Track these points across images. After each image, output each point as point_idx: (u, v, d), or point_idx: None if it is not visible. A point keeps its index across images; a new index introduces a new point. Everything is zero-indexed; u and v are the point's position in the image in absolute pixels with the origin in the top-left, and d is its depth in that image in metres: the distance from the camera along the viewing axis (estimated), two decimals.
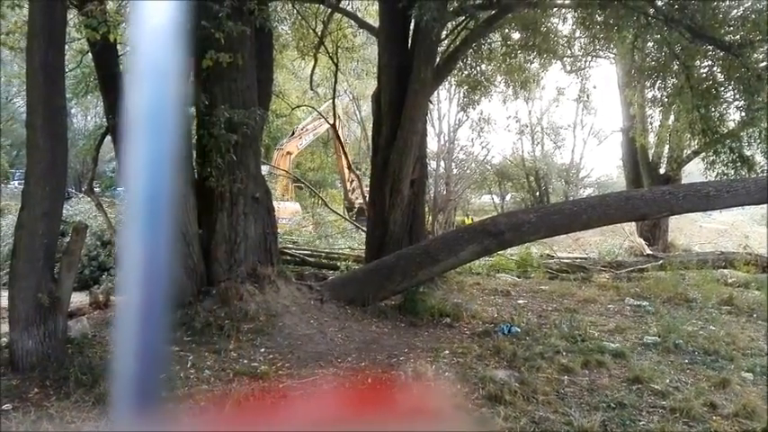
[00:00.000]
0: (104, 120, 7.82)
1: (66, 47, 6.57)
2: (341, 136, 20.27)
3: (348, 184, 20.69)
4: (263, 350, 6.04)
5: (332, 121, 19.30)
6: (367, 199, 12.50)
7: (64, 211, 6.75)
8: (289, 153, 18.08)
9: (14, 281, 5.35)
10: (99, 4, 5.96)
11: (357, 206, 20.27)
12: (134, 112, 0.80)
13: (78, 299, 7.58)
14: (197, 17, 6.60)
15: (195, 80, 6.95)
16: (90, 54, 7.47)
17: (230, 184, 7.05)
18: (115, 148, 7.44)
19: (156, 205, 0.80)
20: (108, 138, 7.68)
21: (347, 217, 19.24)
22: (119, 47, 7.47)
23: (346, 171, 20.74)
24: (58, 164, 5.50)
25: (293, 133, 17.67)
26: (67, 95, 7.02)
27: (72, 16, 6.85)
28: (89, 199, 9.92)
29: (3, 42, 7.61)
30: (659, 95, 11.67)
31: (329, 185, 24.80)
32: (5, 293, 5.79)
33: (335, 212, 19.54)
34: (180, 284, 6.75)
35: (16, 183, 20.83)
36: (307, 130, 18.62)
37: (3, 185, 19.74)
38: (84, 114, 23.94)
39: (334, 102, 15.20)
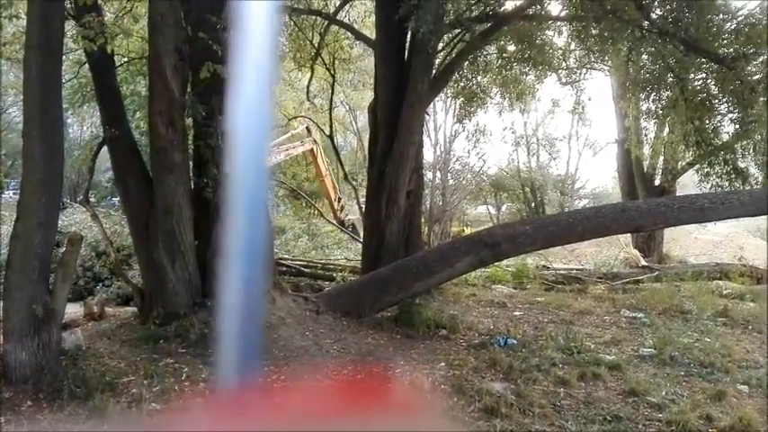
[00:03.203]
0: (100, 130, 7.81)
1: (64, 57, 6.57)
2: (321, 159, 20.24)
3: (336, 203, 20.64)
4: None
5: (309, 146, 19.36)
6: (363, 210, 12.49)
7: (59, 222, 6.73)
8: None
9: (9, 292, 5.32)
10: (96, 16, 5.98)
11: (348, 222, 20.25)
12: (234, 121, 0.93)
13: (72, 310, 7.53)
14: (194, 29, 6.64)
15: (192, 91, 6.97)
16: (87, 64, 7.48)
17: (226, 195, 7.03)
18: (111, 158, 7.42)
19: (256, 204, 0.94)
20: (104, 148, 7.67)
21: (343, 228, 19.25)
22: (116, 57, 7.49)
23: (331, 192, 20.70)
24: (53, 174, 5.49)
25: None
26: (64, 105, 7.00)
27: (69, 27, 6.86)
28: (84, 209, 9.90)
29: (1, 53, 7.61)
30: (654, 107, 11.70)
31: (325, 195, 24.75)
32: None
33: (332, 223, 19.52)
34: (174, 296, 6.73)
35: (11, 192, 20.74)
36: (277, 149, 18.66)
37: None
38: (81, 124, 23.87)
39: (330, 113, 15.21)
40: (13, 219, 5.53)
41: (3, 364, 5.25)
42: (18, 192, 5.82)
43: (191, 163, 7.20)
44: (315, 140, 19.52)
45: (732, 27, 9.02)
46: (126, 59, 8.66)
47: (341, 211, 20.43)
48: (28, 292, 5.21)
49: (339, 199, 21.05)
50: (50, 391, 4.91)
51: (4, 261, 6.03)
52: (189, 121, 7.11)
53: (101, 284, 10.52)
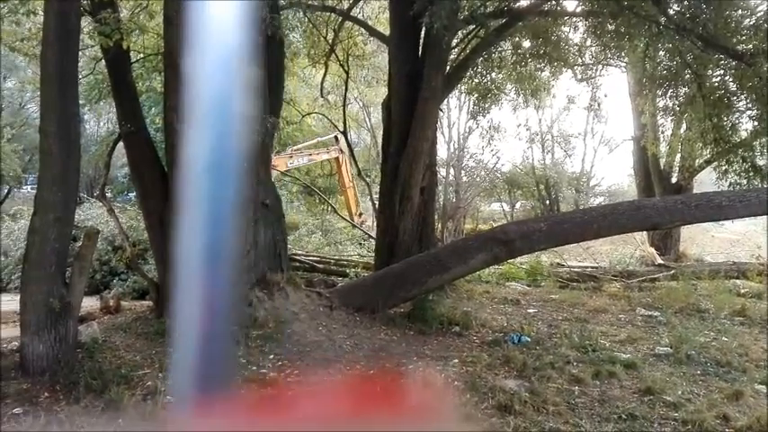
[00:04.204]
0: (117, 126, 7.88)
1: (80, 53, 6.63)
2: (346, 170, 19.76)
3: (357, 217, 20.15)
4: (271, 357, 6.03)
5: (334, 154, 19.09)
6: (376, 207, 12.46)
7: (76, 216, 6.80)
8: (274, 166, 17.86)
9: (26, 285, 5.39)
10: (112, 12, 6.03)
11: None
12: (198, 110, 0.84)
13: (89, 303, 7.62)
14: None
15: None
16: (103, 61, 7.54)
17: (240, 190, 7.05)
18: (128, 154, 7.49)
19: (220, 204, 0.84)
20: (120, 144, 7.74)
21: (357, 225, 19.11)
22: (131, 54, 7.54)
23: (353, 206, 20.30)
24: (70, 169, 5.54)
25: (278, 152, 17.38)
26: (80, 101, 7.08)
27: (86, 23, 6.92)
28: (101, 204, 10.01)
29: (18, 49, 7.70)
30: (671, 104, 11.59)
31: (340, 192, 24.69)
32: (15, 297, 5.84)
33: (346, 219, 19.47)
34: None
35: (29, 188, 21.03)
36: (301, 152, 18.42)
37: (15, 190, 19.93)
38: (97, 120, 24.12)
39: (344, 110, 15.19)
40: (31, 213, 5.60)
41: (20, 357, 5.33)
42: (36, 187, 5.88)
43: None
44: (341, 150, 19.25)
45: (751, 23, 8.90)
46: (141, 56, 8.72)
47: (361, 225, 19.93)
48: (45, 285, 5.27)
49: (360, 214, 20.49)
50: (67, 384, 4.97)
51: (22, 255, 6.11)
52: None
53: (117, 278, 10.64)
